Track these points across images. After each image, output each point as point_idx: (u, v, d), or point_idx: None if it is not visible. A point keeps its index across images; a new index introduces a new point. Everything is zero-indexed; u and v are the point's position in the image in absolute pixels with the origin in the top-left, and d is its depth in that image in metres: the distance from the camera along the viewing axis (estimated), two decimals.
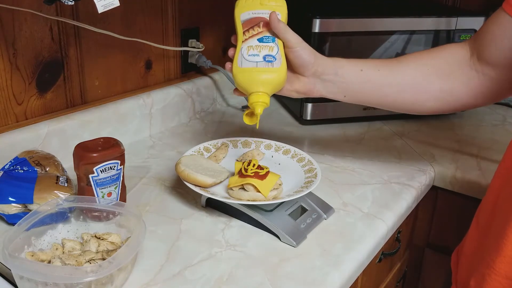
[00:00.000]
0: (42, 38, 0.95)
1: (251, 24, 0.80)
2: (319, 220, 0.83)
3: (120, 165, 0.78)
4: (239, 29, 0.81)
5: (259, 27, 0.80)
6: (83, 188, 0.77)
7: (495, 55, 0.75)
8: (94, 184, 0.76)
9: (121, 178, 0.79)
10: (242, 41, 0.80)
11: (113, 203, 0.74)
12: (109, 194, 0.78)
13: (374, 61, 0.84)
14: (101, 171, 0.76)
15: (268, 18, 0.78)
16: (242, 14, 0.81)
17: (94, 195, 0.77)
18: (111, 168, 0.77)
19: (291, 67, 0.81)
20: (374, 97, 0.84)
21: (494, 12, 0.75)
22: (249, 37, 0.79)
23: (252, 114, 0.82)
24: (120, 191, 0.80)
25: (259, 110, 0.78)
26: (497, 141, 1.20)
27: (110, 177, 0.77)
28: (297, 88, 0.83)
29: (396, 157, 1.10)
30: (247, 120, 0.82)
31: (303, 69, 0.81)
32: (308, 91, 0.83)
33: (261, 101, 0.78)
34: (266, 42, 0.79)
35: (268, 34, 0.79)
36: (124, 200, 0.82)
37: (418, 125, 1.28)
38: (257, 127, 0.83)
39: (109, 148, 0.76)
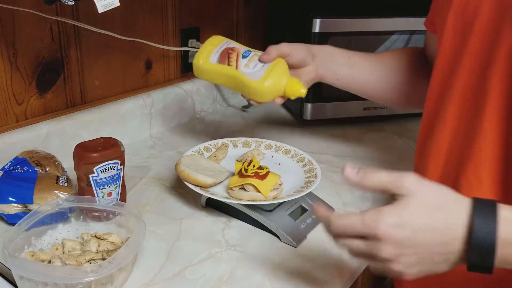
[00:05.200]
0: (42, 38, 0.95)
1: (225, 57, 0.86)
2: (319, 220, 0.83)
3: (120, 165, 0.78)
4: (224, 67, 0.86)
5: (232, 52, 0.86)
6: (83, 188, 0.77)
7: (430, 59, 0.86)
8: (94, 184, 0.76)
9: (121, 178, 0.79)
10: (236, 68, 0.85)
11: (113, 203, 0.74)
12: (109, 194, 0.78)
13: (359, 53, 0.94)
14: (101, 171, 0.76)
15: (229, 44, 0.87)
16: (210, 59, 0.88)
17: (94, 195, 0.77)
18: (111, 168, 0.77)
19: (295, 66, 0.88)
20: (360, 84, 0.94)
21: None
22: (237, 62, 0.85)
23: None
24: (120, 191, 0.80)
25: (302, 90, 0.84)
26: None
27: (110, 177, 0.77)
28: (306, 79, 0.90)
29: (396, 157, 1.10)
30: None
31: (303, 63, 0.89)
32: (315, 77, 0.91)
33: (296, 82, 0.85)
34: (249, 54, 0.86)
35: (244, 51, 0.87)
36: (124, 200, 0.82)
37: (418, 125, 1.28)
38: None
39: (109, 148, 0.76)
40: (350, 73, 0.93)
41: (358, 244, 0.51)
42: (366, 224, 0.49)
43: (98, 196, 0.77)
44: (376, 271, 0.52)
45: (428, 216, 0.48)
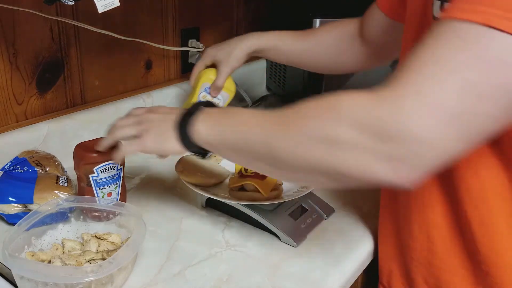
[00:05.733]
0: (42, 38, 0.95)
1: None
2: (319, 220, 0.83)
3: (120, 165, 0.78)
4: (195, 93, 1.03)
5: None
6: (83, 188, 0.77)
7: (368, 35, 0.90)
8: (94, 184, 0.76)
9: (121, 178, 0.79)
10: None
11: (113, 203, 0.74)
12: (109, 194, 0.78)
13: (291, 38, 1.00)
14: (101, 171, 0.75)
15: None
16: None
17: (94, 195, 0.76)
18: (111, 168, 0.77)
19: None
20: (288, 59, 1.02)
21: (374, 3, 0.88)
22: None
23: None
24: (120, 191, 0.80)
25: (211, 76, 1.03)
26: None
27: (110, 177, 0.77)
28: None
29: None
30: None
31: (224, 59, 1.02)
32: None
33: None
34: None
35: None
36: (124, 200, 0.82)
37: None
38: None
39: (109, 148, 0.76)
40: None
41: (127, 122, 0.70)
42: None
43: (98, 196, 0.77)
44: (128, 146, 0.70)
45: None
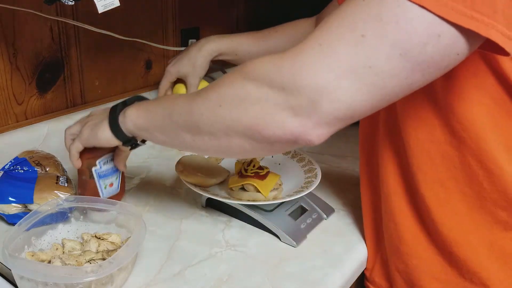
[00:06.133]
0: (42, 38, 0.95)
1: None
2: (319, 220, 0.83)
3: None
4: None
5: None
6: (85, 181, 0.78)
7: None
8: (97, 176, 0.78)
9: None
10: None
11: (113, 203, 0.74)
12: (111, 184, 0.81)
13: (246, 44, 1.01)
14: (103, 163, 0.78)
15: None
16: None
17: (96, 187, 0.79)
18: (112, 160, 0.79)
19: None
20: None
21: None
22: None
23: None
24: (120, 181, 0.82)
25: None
26: None
27: (112, 168, 0.80)
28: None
29: None
30: None
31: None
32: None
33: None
34: None
35: None
36: (124, 189, 0.85)
37: None
38: None
39: None
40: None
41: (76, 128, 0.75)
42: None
43: (100, 187, 0.79)
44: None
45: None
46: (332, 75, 0.46)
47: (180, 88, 1.04)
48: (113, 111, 0.69)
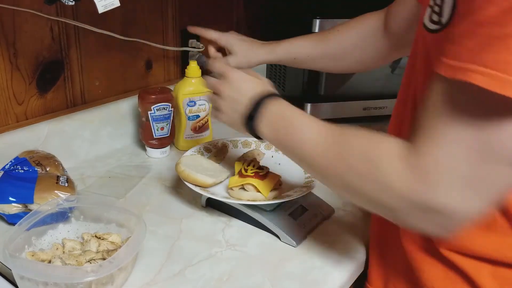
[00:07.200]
0: (43, 38, 0.95)
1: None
2: (319, 220, 0.83)
3: (171, 107, 1.04)
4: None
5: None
6: (143, 123, 1.04)
7: (394, 26, 0.87)
8: (151, 119, 1.02)
9: (171, 118, 1.05)
10: None
11: (113, 203, 0.75)
12: (162, 128, 1.04)
13: (306, 47, 0.96)
14: (157, 110, 1.02)
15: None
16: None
17: (151, 128, 1.03)
18: (164, 108, 1.02)
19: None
20: (310, 66, 1.00)
21: None
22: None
23: None
24: (170, 127, 1.05)
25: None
26: None
27: (163, 115, 1.03)
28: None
29: None
30: None
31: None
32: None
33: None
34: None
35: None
36: (173, 135, 1.08)
37: None
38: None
39: (164, 93, 1.03)
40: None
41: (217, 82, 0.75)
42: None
43: (153, 128, 1.03)
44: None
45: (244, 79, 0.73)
46: (457, 194, 0.50)
47: (194, 70, 1.07)
48: (248, 124, 0.70)
